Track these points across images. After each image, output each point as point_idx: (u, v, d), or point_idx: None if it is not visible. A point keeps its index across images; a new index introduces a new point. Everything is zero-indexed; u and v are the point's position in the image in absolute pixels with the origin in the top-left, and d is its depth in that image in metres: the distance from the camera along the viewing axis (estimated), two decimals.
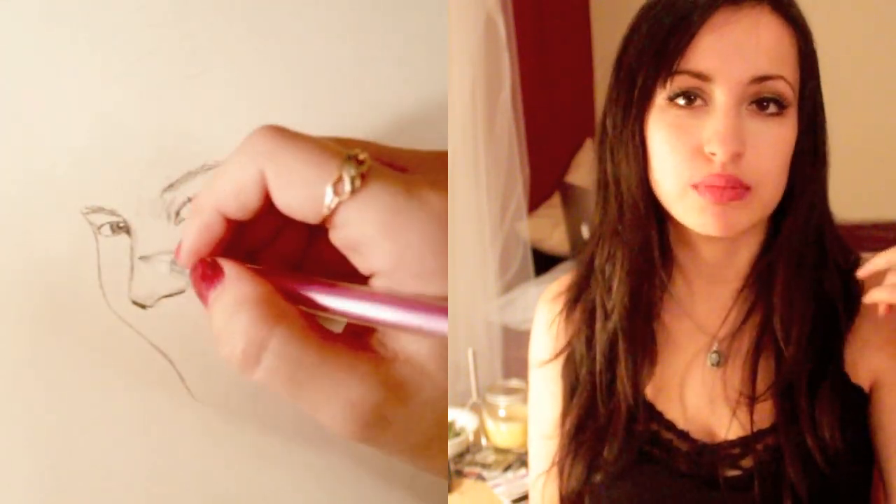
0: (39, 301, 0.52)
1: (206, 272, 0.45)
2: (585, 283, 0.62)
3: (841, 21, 2.25)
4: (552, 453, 0.63)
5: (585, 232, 2.11)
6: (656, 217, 0.56)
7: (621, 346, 0.58)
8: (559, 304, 0.65)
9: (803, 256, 0.56)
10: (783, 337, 0.55)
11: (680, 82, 0.52)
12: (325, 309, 0.45)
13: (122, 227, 0.51)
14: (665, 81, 0.52)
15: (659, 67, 0.52)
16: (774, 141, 0.52)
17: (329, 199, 0.42)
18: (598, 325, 0.60)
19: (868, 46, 2.30)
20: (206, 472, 0.54)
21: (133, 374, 0.53)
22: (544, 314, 0.67)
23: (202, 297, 0.45)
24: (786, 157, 0.53)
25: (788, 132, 0.53)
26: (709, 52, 0.51)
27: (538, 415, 0.67)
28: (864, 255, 0.59)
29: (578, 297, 0.63)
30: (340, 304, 0.44)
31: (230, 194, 0.44)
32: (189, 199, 0.51)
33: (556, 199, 2.58)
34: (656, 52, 0.53)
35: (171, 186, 0.51)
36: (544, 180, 2.46)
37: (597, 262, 0.61)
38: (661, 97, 0.53)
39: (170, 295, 0.52)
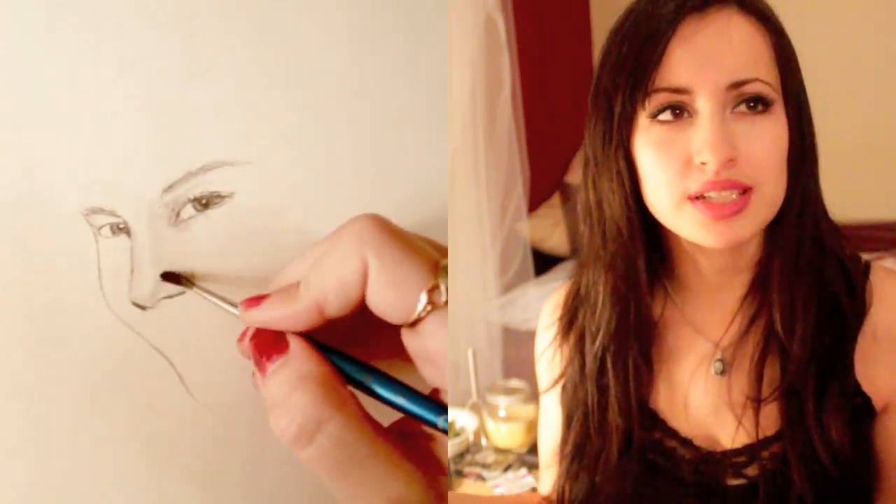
0: (39, 302, 0.52)
1: (269, 341, 0.45)
2: (574, 312, 0.62)
3: (840, 20, 2.25)
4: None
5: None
6: (644, 239, 0.55)
7: (609, 369, 0.58)
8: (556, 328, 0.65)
9: (800, 250, 0.55)
10: (787, 336, 0.54)
11: (659, 99, 0.51)
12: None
13: (121, 229, 0.51)
14: (644, 101, 0.51)
15: (635, 88, 0.52)
16: (767, 138, 0.51)
17: (422, 306, 0.42)
18: (587, 351, 0.60)
19: (867, 45, 2.30)
20: (206, 471, 0.54)
21: (133, 375, 0.53)
22: (544, 338, 0.66)
23: (259, 364, 0.45)
24: (782, 153, 0.52)
25: (779, 128, 0.52)
26: (682, 65, 0.51)
27: (540, 444, 0.68)
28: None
29: (570, 324, 0.63)
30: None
31: (332, 288, 0.43)
32: (190, 200, 0.52)
33: (556, 199, 2.58)
34: (630, 73, 0.52)
35: (170, 187, 0.51)
36: (544, 180, 2.46)
37: (582, 289, 0.60)
38: (642, 116, 0.52)
39: (170, 296, 0.52)
